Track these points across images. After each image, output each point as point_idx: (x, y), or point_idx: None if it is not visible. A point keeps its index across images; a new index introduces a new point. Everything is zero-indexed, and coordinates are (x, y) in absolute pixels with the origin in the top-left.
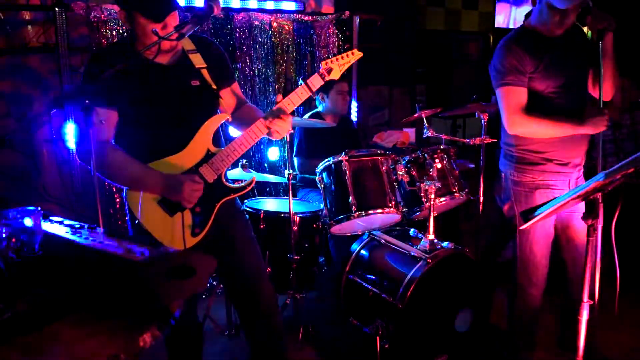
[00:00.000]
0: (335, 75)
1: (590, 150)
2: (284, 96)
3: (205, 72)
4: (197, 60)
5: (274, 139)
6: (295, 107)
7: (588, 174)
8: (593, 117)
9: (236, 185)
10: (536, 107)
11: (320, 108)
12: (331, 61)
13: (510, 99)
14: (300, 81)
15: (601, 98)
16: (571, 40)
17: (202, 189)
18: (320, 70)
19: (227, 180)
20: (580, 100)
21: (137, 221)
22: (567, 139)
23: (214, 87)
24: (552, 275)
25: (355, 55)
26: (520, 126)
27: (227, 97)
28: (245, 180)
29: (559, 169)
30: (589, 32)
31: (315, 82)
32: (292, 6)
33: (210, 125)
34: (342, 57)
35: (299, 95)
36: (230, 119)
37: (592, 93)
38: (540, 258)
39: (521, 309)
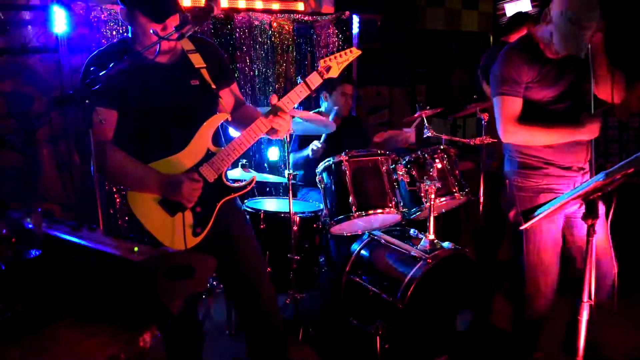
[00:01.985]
0: (334, 73)
1: (601, 151)
2: (283, 96)
3: (204, 72)
4: (197, 60)
5: (274, 139)
6: (295, 105)
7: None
8: (588, 123)
9: (237, 184)
10: (534, 114)
11: (322, 107)
12: (329, 59)
13: (504, 108)
14: (299, 79)
15: (592, 100)
16: (571, 58)
17: (202, 187)
18: (319, 68)
19: (227, 179)
20: (578, 107)
21: (138, 222)
22: (568, 143)
23: (214, 86)
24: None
25: (353, 53)
26: (513, 135)
27: (227, 97)
28: (245, 180)
29: (562, 172)
30: None
31: (314, 80)
32: (292, 6)
33: (210, 125)
34: (341, 55)
35: (298, 93)
36: (230, 119)
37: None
38: (548, 265)
39: (529, 318)
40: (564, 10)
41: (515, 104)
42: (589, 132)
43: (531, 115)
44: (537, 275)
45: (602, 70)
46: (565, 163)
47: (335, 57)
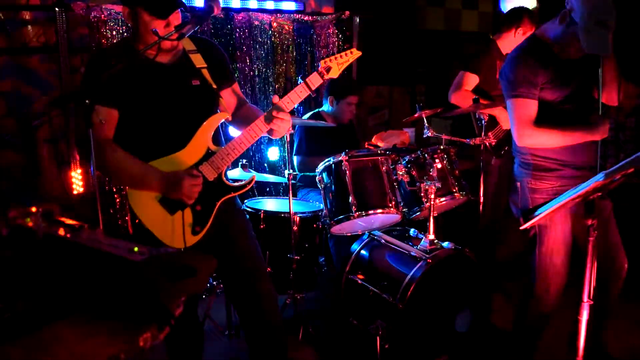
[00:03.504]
0: (334, 73)
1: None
2: (284, 96)
3: (205, 72)
4: (198, 60)
5: (274, 138)
6: (295, 105)
7: None
8: (598, 124)
9: (236, 184)
10: (545, 115)
11: (324, 108)
12: (330, 60)
13: (521, 111)
14: (300, 80)
15: (600, 100)
16: (582, 60)
17: (201, 183)
18: (319, 69)
19: (227, 179)
20: (588, 106)
21: (137, 220)
22: (582, 144)
23: (214, 87)
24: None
25: (354, 54)
26: (530, 138)
27: (228, 97)
28: (245, 180)
29: (576, 173)
30: None
31: (315, 80)
32: (292, 6)
33: (211, 124)
34: (341, 56)
35: (298, 93)
36: (230, 119)
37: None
38: (560, 267)
39: (533, 319)
40: (590, 12)
41: (531, 107)
42: (601, 133)
43: (541, 116)
44: (548, 277)
45: (609, 72)
46: (579, 163)
47: (335, 58)
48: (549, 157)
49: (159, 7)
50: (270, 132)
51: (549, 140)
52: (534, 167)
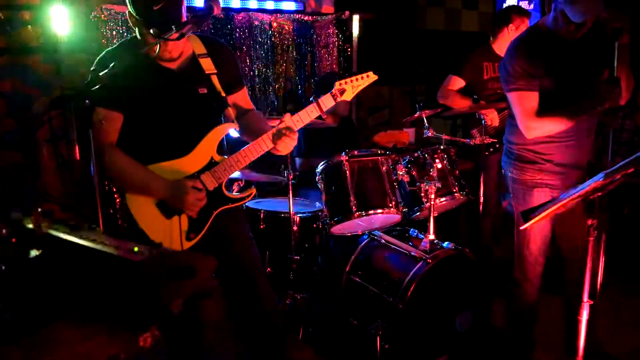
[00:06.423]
0: (348, 96)
1: (601, 151)
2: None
3: (214, 78)
4: (207, 66)
5: (278, 154)
6: (304, 125)
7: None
8: (606, 92)
9: (235, 195)
10: (546, 104)
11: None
12: (345, 82)
13: (523, 104)
14: (312, 99)
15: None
16: (588, 41)
17: (205, 197)
18: (333, 90)
19: (227, 189)
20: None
21: (133, 220)
22: (570, 143)
23: (223, 94)
24: (555, 274)
25: (370, 77)
26: (536, 129)
27: (234, 103)
28: (244, 192)
29: (558, 169)
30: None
31: (327, 102)
32: (292, 6)
33: (217, 134)
34: (357, 79)
35: (309, 113)
36: (237, 128)
37: None
38: (536, 255)
39: (517, 305)
40: None
41: (532, 99)
42: (610, 99)
43: (545, 105)
44: (525, 264)
45: (622, 72)
46: (562, 161)
47: (351, 81)
48: (533, 150)
49: (162, 27)
50: (275, 149)
51: (557, 126)
52: (517, 157)
